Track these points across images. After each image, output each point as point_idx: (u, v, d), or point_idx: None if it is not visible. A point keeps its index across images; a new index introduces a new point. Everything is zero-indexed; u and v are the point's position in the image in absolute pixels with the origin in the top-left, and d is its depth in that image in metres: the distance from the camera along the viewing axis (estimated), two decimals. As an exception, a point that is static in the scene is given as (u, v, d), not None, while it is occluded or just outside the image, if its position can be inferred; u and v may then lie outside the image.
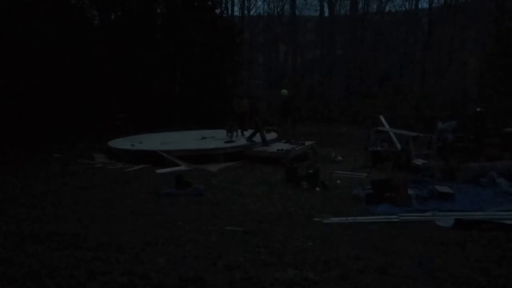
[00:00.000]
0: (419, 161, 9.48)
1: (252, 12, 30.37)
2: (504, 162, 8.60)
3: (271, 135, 13.36)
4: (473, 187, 7.43)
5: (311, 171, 7.99)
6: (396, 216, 5.52)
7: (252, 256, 4.02)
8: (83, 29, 16.54)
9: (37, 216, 5.56)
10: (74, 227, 5.03)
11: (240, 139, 12.15)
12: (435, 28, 26.87)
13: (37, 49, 13.64)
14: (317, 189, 7.63)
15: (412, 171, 9.01)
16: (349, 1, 29.55)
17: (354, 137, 16.78)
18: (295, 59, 28.95)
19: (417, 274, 3.59)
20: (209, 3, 20.84)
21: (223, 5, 26.66)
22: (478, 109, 12.29)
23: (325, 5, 30.43)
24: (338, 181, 8.44)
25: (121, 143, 12.13)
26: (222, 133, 12.83)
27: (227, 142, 11.59)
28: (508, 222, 5.07)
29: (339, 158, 11.74)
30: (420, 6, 29.50)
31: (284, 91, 12.60)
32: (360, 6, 29.59)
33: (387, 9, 29.60)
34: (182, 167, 9.74)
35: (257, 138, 12.39)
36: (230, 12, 28.29)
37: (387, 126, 12.68)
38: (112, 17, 19.75)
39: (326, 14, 30.62)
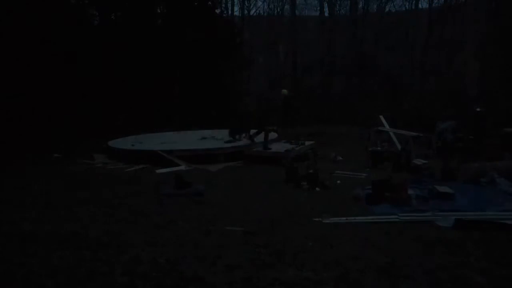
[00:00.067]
0: (419, 161, 9.48)
1: (252, 12, 30.38)
2: (504, 162, 8.60)
3: (271, 135, 13.36)
4: (473, 187, 7.41)
5: (311, 171, 7.99)
6: (396, 216, 5.51)
7: (252, 256, 4.02)
8: (83, 29, 16.53)
9: (37, 216, 5.56)
10: (74, 227, 5.03)
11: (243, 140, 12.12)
12: (435, 28, 26.86)
13: (37, 48, 13.63)
14: (317, 189, 7.63)
15: (412, 171, 9.01)
16: (349, 1, 29.54)
17: (354, 137, 16.76)
18: (295, 59, 28.92)
19: (417, 274, 3.59)
20: (209, 3, 20.83)
21: (223, 5, 26.69)
22: (478, 109, 12.29)
23: (325, 5, 30.43)
24: (338, 181, 8.43)
25: (121, 143, 12.13)
26: (222, 133, 12.82)
27: (227, 142, 11.59)
28: (508, 222, 5.06)
29: (339, 158, 11.74)
30: (420, 6, 29.50)
31: (284, 90, 12.59)
32: (360, 6, 29.60)
33: (387, 9, 29.61)
34: (182, 167, 9.74)
35: (258, 138, 12.42)
36: (230, 12, 28.30)
37: (387, 126, 12.67)
38: (112, 17, 19.74)
39: (326, 14, 30.62)
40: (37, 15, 13.74)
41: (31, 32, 13.41)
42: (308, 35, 29.01)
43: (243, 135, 12.29)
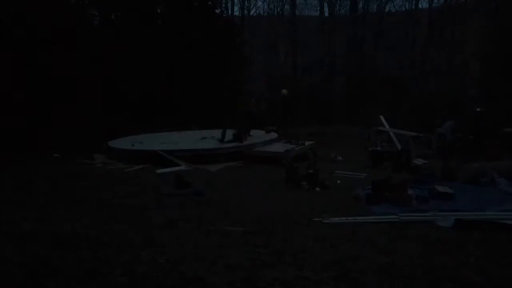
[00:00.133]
0: (419, 161, 9.49)
1: (252, 12, 30.40)
2: (504, 162, 8.60)
3: (271, 135, 13.38)
4: (473, 187, 7.41)
5: (311, 171, 7.99)
6: (396, 216, 5.51)
7: (252, 256, 4.02)
8: (83, 29, 16.52)
9: (37, 216, 5.56)
10: (74, 227, 5.03)
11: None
12: (435, 28, 26.87)
13: (37, 48, 13.63)
14: (317, 189, 7.63)
15: (412, 171, 9.02)
16: (349, 1, 29.55)
17: (354, 137, 16.78)
18: (295, 59, 28.93)
19: (417, 274, 3.59)
20: (209, 3, 20.84)
21: (223, 5, 26.70)
22: (478, 109, 12.31)
23: (325, 5, 30.46)
24: (338, 181, 8.44)
25: (121, 143, 12.14)
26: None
27: (227, 142, 11.59)
28: (508, 222, 5.06)
29: (339, 158, 11.75)
30: (420, 6, 29.51)
31: (284, 90, 12.62)
32: (360, 6, 29.61)
33: (387, 9, 29.62)
34: (182, 167, 9.74)
35: (257, 138, 12.43)
36: (230, 12, 28.32)
37: (387, 126, 12.69)
38: (112, 17, 19.74)
39: (326, 14, 30.64)
40: (37, 15, 13.73)
41: (31, 32, 13.41)
42: (308, 35, 29.00)
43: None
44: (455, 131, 11.80)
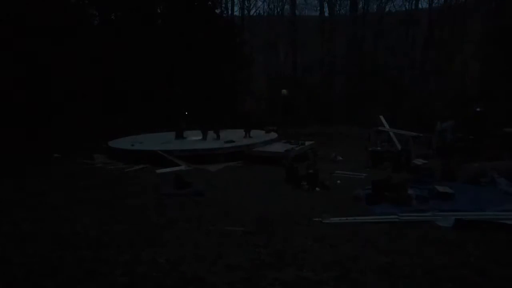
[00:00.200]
0: (419, 161, 9.48)
1: (252, 12, 30.38)
2: (504, 162, 8.60)
3: (271, 135, 13.37)
4: (473, 187, 7.41)
5: (311, 171, 7.99)
6: (396, 216, 5.51)
7: (252, 256, 4.02)
8: (83, 29, 16.53)
9: (37, 216, 5.56)
10: (74, 227, 5.03)
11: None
12: (435, 28, 26.87)
13: (37, 48, 13.63)
14: (317, 189, 7.63)
15: (412, 171, 9.01)
16: (349, 1, 29.54)
17: (354, 137, 16.77)
18: (295, 59, 28.92)
19: (417, 274, 3.60)
20: (209, 3, 20.84)
21: (223, 5, 26.69)
22: (478, 109, 12.30)
23: (325, 5, 30.43)
24: (338, 181, 8.44)
25: (121, 143, 12.14)
26: (222, 133, 12.81)
27: (227, 142, 11.59)
28: (508, 222, 5.07)
29: (339, 158, 11.75)
30: (420, 6, 29.50)
31: (284, 90, 12.61)
32: (360, 6, 29.60)
33: (387, 9, 29.60)
34: (182, 167, 9.74)
35: (258, 138, 12.44)
36: (230, 12, 28.31)
37: (387, 126, 12.68)
38: (112, 17, 19.74)
39: (326, 14, 30.62)
40: (37, 15, 13.74)
41: (31, 31, 13.41)
42: (308, 35, 28.98)
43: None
44: (455, 131, 11.80)
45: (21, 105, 13.23)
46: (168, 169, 9.45)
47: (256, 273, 3.60)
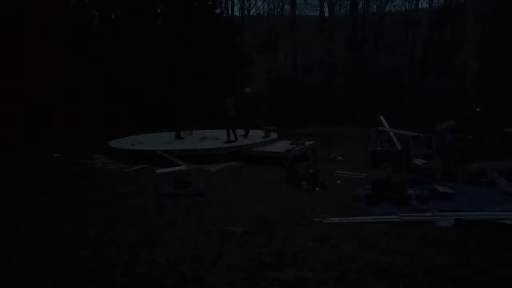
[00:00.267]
0: (419, 161, 9.49)
1: (252, 12, 30.41)
2: (504, 162, 8.60)
3: (272, 135, 13.37)
4: (473, 187, 7.41)
5: (311, 171, 7.99)
6: (396, 216, 5.51)
7: (252, 256, 4.02)
8: (83, 29, 16.53)
9: (37, 216, 5.56)
10: (74, 227, 5.03)
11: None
12: (435, 28, 26.87)
13: (37, 48, 13.64)
14: (317, 189, 7.63)
15: (412, 171, 9.01)
16: (349, 1, 29.56)
17: (354, 137, 16.78)
18: (295, 59, 28.93)
19: (417, 274, 3.60)
20: (209, 3, 20.84)
21: (223, 5, 26.70)
22: (478, 109, 12.29)
23: (325, 5, 30.45)
24: (338, 181, 8.44)
25: (121, 143, 12.14)
26: (222, 133, 12.80)
27: (227, 142, 11.59)
28: (508, 222, 5.06)
29: (339, 158, 11.74)
30: (420, 6, 29.52)
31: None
32: (360, 6, 29.62)
33: (387, 9, 29.62)
34: (182, 167, 9.74)
35: (258, 138, 12.42)
36: (230, 12, 28.33)
37: (387, 126, 12.69)
38: (112, 17, 19.74)
39: (326, 14, 30.64)
40: (37, 15, 13.74)
41: (31, 31, 13.41)
42: (308, 35, 28.99)
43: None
44: (455, 131, 11.79)
45: (21, 105, 13.23)
46: (168, 169, 9.44)
47: (256, 273, 3.60)
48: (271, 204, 6.43)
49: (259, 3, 33.51)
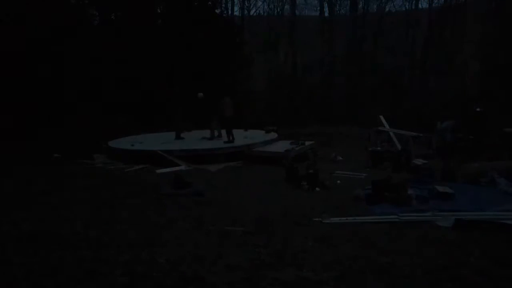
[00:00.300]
0: (419, 161, 9.49)
1: (252, 12, 30.41)
2: (504, 162, 8.60)
3: (272, 135, 13.38)
4: (473, 187, 7.42)
5: (311, 171, 7.99)
6: (396, 216, 5.51)
7: (252, 256, 4.02)
8: (83, 29, 16.53)
9: (37, 216, 5.56)
10: (74, 227, 5.03)
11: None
12: (435, 28, 26.87)
13: (37, 48, 13.64)
14: (317, 189, 7.63)
15: (412, 171, 9.01)
16: (349, 1, 29.56)
17: (354, 137, 16.79)
18: (295, 59, 28.93)
19: (417, 274, 3.59)
20: (209, 3, 20.85)
21: (223, 5, 26.70)
22: (478, 109, 12.30)
23: (325, 5, 30.46)
24: (338, 181, 8.44)
25: (121, 143, 12.13)
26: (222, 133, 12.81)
27: (227, 142, 11.59)
28: (508, 222, 5.06)
29: (339, 158, 11.75)
30: (420, 6, 29.52)
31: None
32: (360, 6, 29.62)
33: (387, 9, 29.62)
34: (182, 167, 9.74)
35: (258, 138, 12.41)
36: (230, 12, 28.33)
37: (387, 126, 12.69)
38: (112, 17, 19.74)
39: (326, 14, 30.64)
40: (37, 15, 13.74)
41: (31, 32, 13.41)
42: (308, 35, 29.00)
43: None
44: (455, 131, 11.80)
45: (21, 105, 13.23)
46: (168, 169, 9.45)
47: (256, 273, 3.59)
48: (271, 204, 6.43)
49: (259, 3, 33.55)
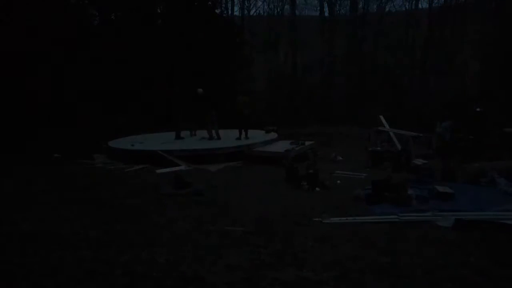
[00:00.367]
0: (419, 161, 9.48)
1: (252, 12, 30.41)
2: (504, 162, 8.60)
3: (272, 135, 13.38)
4: (473, 187, 7.42)
5: (311, 171, 7.99)
6: (396, 216, 5.51)
7: (252, 256, 4.02)
8: (83, 29, 16.53)
9: (37, 216, 5.56)
10: (74, 227, 5.03)
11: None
12: (435, 28, 26.87)
13: (37, 48, 13.63)
14: (317, 189, 7.63)
15: (412, 171, 9.01)
16: (349, 1, 29.56)
17: (354, 137, 16.79)
18: (295, 59, 28.94)
19: (417, 274, 3.60)
20: (209, 3, 20.85)
21: (223, 5, 26.70)
22: (478, 109, 12.30)
23: (325, 5, 30.47)
24: (338, 181, 8.44)
25: (121, 143, 12.13)
26: (224, 133, 12.80)
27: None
28: (508, 222, 5.06)
29: (339, 158, 11.74)
30: (420, 6, 29.53)
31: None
32: (360, 6, 29.62)
33: (387, 9, 29.63)
34: (182, 167, 9.73)
35: (258, 138, 12.41)
36: (230, 12, 28.33)
37: (387, 126, 12.69)
38: (112, 17, 19.74)
39: (326, 14, 30.64)
40: (37, 15, 13.74)
41: (31, 31, 13.40)
42: (308, 35, 29.00)
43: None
44: (455, 131, 11.80)
45: (21, 105, 13.23)
46: (168, 169, 9.44)
47: (256, 273, 3.60)
48: (271, 204, 6.43)
49: (259, 3, 33.54)
